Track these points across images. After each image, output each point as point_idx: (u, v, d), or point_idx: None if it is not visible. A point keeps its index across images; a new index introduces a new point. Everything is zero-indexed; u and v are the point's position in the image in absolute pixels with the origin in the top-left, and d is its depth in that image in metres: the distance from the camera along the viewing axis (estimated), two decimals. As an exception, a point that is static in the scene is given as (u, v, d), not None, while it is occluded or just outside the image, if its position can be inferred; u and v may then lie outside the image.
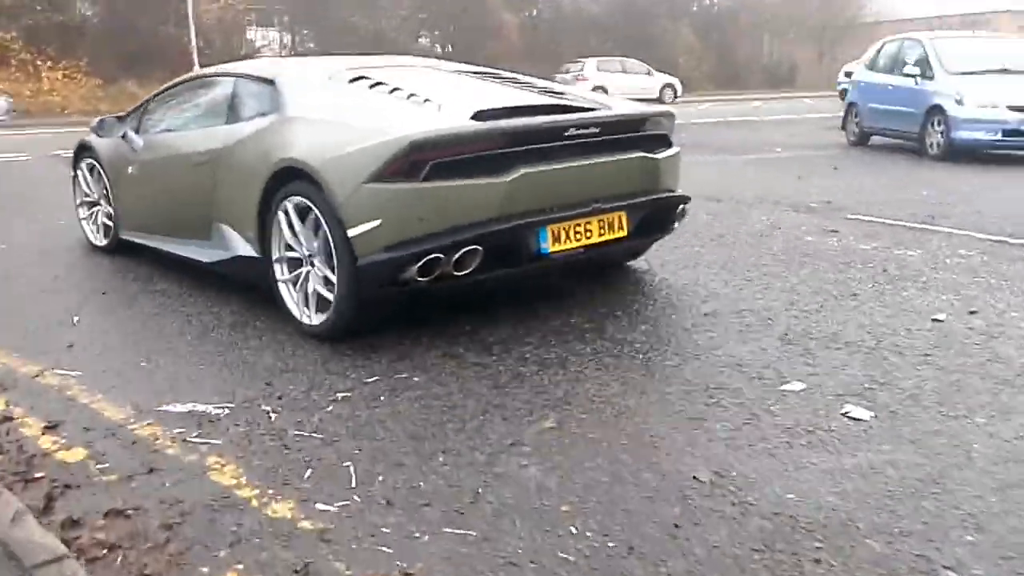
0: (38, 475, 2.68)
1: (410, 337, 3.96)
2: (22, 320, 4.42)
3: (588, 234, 4.11)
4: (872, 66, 13.37)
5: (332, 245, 3.80)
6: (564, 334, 4.00)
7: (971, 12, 43.12)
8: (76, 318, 4.43)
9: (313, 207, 3.86)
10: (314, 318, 3.99)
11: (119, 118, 5.59)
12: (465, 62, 5.98)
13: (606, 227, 4.18)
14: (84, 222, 6.12)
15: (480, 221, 3.75)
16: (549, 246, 3.96)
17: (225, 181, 4.47)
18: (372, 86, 4.44)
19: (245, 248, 4.36)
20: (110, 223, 5.80)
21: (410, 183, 3.64)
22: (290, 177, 3.98)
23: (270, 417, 3.13)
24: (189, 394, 3.35)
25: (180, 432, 3.00)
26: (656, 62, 33.33)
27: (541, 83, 5.03)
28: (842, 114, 14.17)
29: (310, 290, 4.00)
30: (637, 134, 4.40)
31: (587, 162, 4.09)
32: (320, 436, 2.96)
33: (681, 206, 4.64)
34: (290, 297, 4.13)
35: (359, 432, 2.99)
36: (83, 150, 6.03)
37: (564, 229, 4.01)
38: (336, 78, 4.59)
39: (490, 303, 4.41)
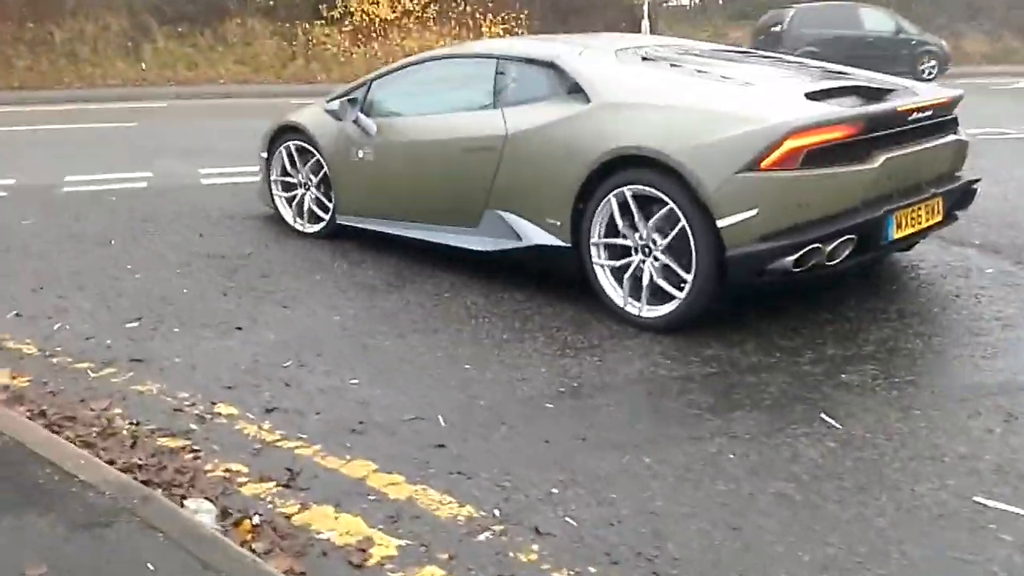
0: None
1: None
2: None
3: (918, 220, 4.02)
4: None
5: (691, 235, 3.67)
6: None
7: None
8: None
9: (664, 196, 3.73)
10: (647, 310, 3.87)
11: (350, 100, 5.39)
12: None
13: (931, 212, 4.10)
14: (280, 199, 5.89)
15: (849, 209, 3.70)
16: (893, 233, 3.87)
17: (518, 169, 4.33)
18: (672, 66, 4.32)
19: (546, 238, 4.24)
20: (320, 209, 5.62)
21: (788, 171, 3.55)
22: (625, 165, 3.86)
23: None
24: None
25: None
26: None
27: (809, 62, 4.88)
28: None
29: (646, 280, 3.87)
30: (949, 117, 4.34)
31: (924, 147, 4.06)
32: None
33: (976, 188, 4.52)
34: (610, 285, 4.01)
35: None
36: (287, 131, 5.82)
37: (905, 216, 3.93)
38: (624, 59, 4.46)
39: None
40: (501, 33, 23.22)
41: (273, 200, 5.93)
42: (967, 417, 3.00)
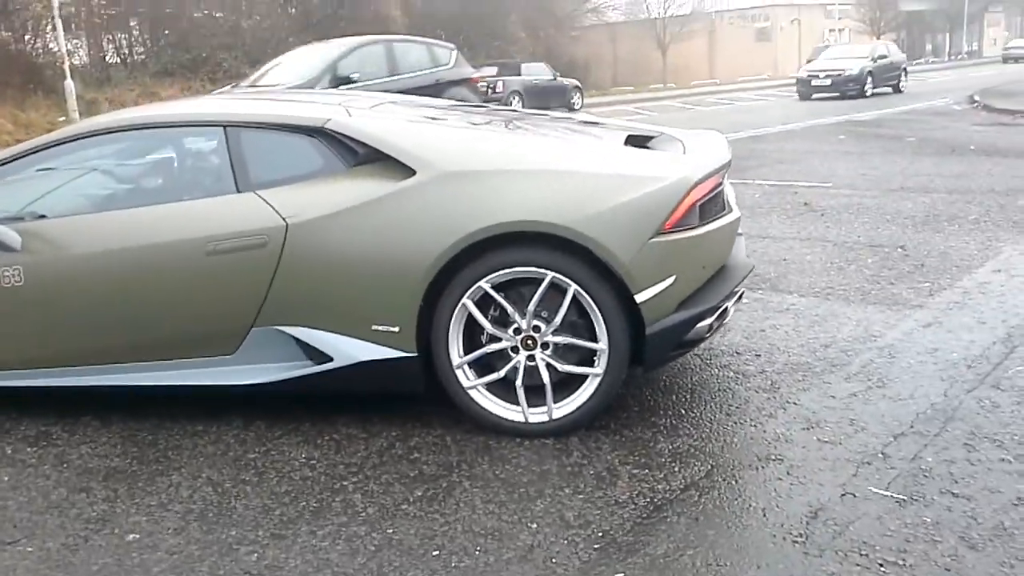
0: None
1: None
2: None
3: None
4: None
5: (599, 315, 3.17)
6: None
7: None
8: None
9: (561, 277, 3.16)
10: (556, 410, 3.26)
11: None
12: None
13: None
14: None
15: (726, 265, 3.59)
16: None
17: (314, 269, 3.33)
18: (473, 125, 3.89)
19: (375, 351, 3.31)
20: None
21: (693, 230, 3.27)
22: (488, 248, 3.19)
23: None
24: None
25: None
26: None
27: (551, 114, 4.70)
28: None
29: (546, 378, 3.23)
30: None
31: None
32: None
33: None
34: (499, 405, 3.32)
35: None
36: None
37: None
38: (412, 119, 3.75)
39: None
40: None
41: None
42: None
